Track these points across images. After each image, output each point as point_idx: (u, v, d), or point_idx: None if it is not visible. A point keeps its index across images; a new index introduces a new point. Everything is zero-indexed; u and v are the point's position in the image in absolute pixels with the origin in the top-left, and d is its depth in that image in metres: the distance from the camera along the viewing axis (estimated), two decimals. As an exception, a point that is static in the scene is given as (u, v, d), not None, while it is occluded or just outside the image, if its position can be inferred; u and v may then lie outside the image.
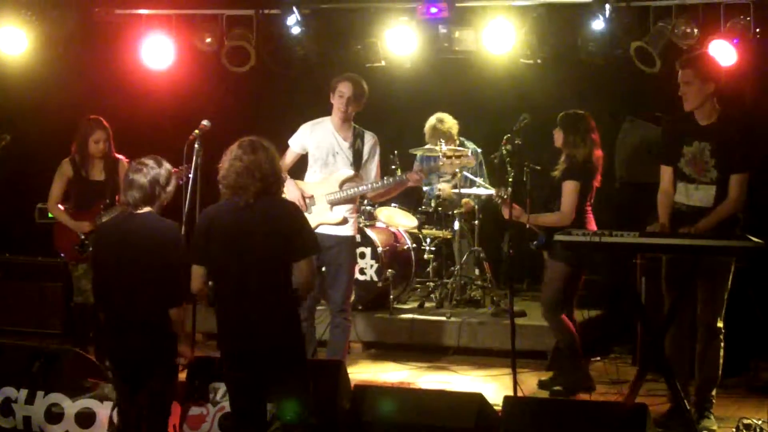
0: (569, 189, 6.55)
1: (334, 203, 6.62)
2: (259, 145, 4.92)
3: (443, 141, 8.29)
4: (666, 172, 6.21)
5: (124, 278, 5.02)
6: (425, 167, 8.03)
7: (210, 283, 4.96)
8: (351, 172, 6.65)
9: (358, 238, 7.62)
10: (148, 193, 5.06)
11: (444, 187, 8.98)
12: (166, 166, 5.19)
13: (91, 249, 7.13)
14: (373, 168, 6.74)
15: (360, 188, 6.64)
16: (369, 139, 6.73)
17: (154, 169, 5.10)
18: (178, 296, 5.03)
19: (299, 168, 6.83)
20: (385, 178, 6.79)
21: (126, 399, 5.14)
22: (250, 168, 4.84)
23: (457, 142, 8.92)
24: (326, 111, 6.91)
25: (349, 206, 6.69)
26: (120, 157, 7.41)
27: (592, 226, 6.62)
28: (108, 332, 5.15)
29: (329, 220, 6.61)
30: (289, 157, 6.78)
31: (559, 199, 6.58)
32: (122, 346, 5.07)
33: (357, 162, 6.66)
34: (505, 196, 6.67)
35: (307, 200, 6.62)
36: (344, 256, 6.66)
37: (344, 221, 6.62)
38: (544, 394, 6.96)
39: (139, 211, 5.10)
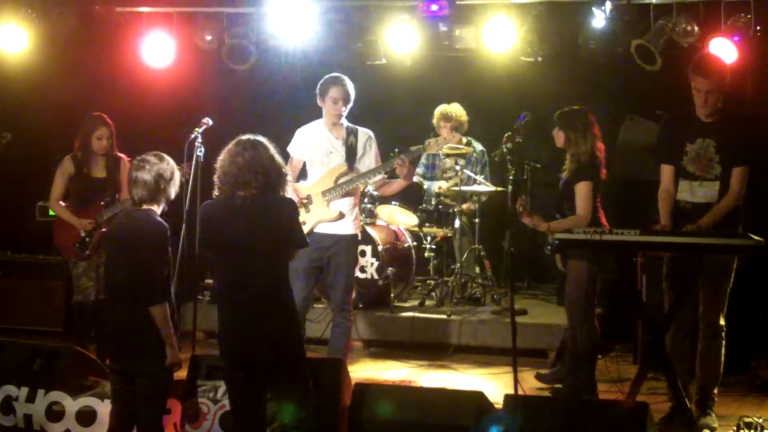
0: (583, 191, 6.36)
1: (330, 199, 6.60)
2: (258, 142, 4.95)
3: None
4: (667, 171, 6.18)
5: (114, 275, 5.12)
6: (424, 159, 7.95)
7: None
8: (344, 165, 6.63)
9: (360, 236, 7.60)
10: (153, 189, 5.08)
11: (444, 186, 8.96)
12: (169, 160, 5.19)
13: (90, 249, 7.18)
14: (369, 162, 6.70)
15: (354, 182, 6.62)
16: (363, 134, 6.70)
17: (157, 165, 5.11)
18: (153, 294, 5.00)
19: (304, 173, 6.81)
20: (375, 167, 6.71)
21: (120, 398, 5.15)
22: (253, 164, 4.86)
23: (464, 140, 8.92)
24: (326, 109, 6.88)
25: (348, 203, 6.66)
26: (122, 155, 7.42)
27: (605, 221, 6.55)
28: (105, 329, 5.20)
29: (326, 217, 6.58)
30: (294, 164, 6.74)
31: (569, 201, 6.43)
32: (113, 343, 5.12)
33: (351, 158, 6.64)
34: (526, 206, 6.50)
35: (304, 201, 6.60)
36: (344, 255, 6.61)
37: (341, 216, 6.59)
38: (543, 387, 6.98)
39: (140, 209, 5.10)
